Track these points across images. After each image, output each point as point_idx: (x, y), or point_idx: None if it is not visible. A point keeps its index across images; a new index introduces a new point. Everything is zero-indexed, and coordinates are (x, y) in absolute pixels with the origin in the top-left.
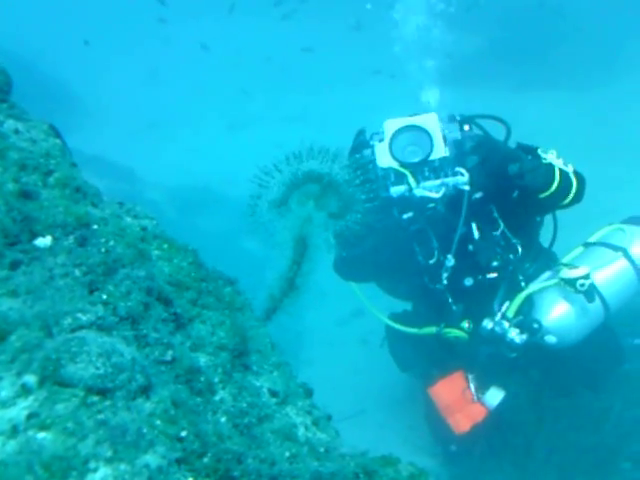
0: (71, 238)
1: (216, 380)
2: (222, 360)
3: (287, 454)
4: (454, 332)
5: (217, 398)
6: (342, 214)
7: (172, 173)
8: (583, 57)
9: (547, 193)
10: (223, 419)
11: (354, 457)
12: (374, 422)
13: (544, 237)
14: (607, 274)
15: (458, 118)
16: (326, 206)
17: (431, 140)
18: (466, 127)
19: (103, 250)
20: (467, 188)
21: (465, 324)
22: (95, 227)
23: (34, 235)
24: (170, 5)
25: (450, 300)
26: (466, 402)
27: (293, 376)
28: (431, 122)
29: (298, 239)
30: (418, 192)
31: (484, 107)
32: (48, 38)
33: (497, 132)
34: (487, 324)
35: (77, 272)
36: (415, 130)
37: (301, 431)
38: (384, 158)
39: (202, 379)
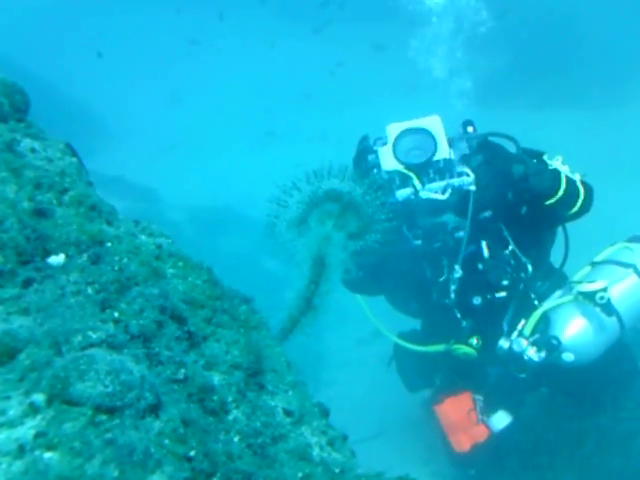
0: (84, 256)
1: (230, 399)
2: (236, 379)
3: (300, 474)
4: (463, 348)
5: (230, 417)
6: (361, 234)
7: (193, 194)
8: (603, 76)
9: (553, 200)
10: (236, 439)
11: (369, 478)
12: (394, 443)
13: (554, 257)
14: (621, 290)
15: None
16: (345, 225)
17: (435, 141)
18: (470, 128)
19: (116, 268)
20: (473, 188)
21: (474, 340)
22: (109, 245)
23: (48, 253)
24: (191, 28)
25: (459, 316)
26: (470, 423)
27: (309, 396)
28: (434, 124)
29: (316, 258)
30: (424, 194)
31: (504, 126)
32: (71, 61)
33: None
34: (504, 344)
35: (89, 290)
36: (418, 132)
37: (316, 451)
38: (388, 161)
39: (215, 398)
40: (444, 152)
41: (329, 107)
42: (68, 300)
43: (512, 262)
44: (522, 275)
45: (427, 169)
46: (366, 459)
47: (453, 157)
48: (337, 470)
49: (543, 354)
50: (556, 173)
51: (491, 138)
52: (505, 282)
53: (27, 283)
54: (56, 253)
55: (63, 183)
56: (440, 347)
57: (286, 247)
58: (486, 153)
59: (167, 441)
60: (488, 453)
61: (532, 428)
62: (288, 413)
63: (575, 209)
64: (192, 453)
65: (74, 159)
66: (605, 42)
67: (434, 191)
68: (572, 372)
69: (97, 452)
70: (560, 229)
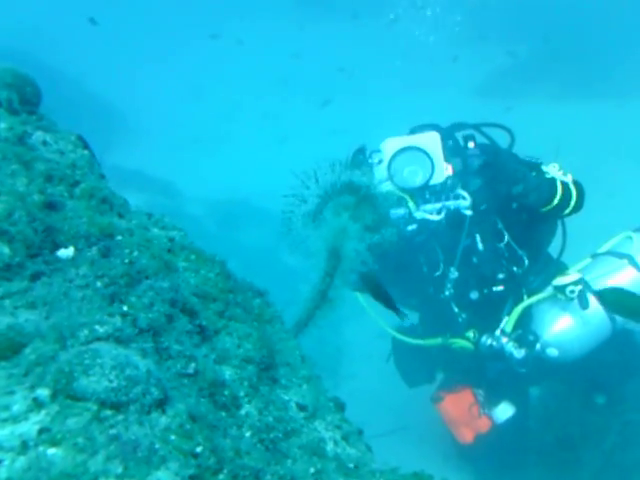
0: (94, 249)
1: (242, 394)
2: (248, 373)
3: (312, 470)
4: (460, 342)
5: (242, 412)
6: (377, 227)
7: (212, 187)
8: (624, 65)
9: (549, 207)
10: (248, 434)
11: (384, 473)
12: (414, 438)
13: (554, 247)
14: (611, 282)
15: (462, 135)
16: (362, 218)
17: (432, 164)
18: (471, 144)
19: (127, 261)
20: (469, 213)
21: (471, 334)
22: (119, 238)
23: (57, 246)
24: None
25: (456, 310)
26: (472, 417)
27: (324, 390)
28: (432, 142)
29: (332, 250)
30: (418, 215)
31: (523, 117)
32: (92, 56)
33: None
34: (486, 340)
35: (98, 283)
36: (415, 152)
37: (330, 446)
38: (383, 182)
39: (226, 393)
40: (441, 176)
41: (349, 101)
42: (75, 293)
43: (507, 255)
44: (518, 268)
45: (423, 191)
46: (385, 454)
47: (450, 174)
48: (351, 465)
49: (523, 351)
50: (553, 182)
51: (491, 138)
52: (501, 275)
53: (35, 276)
54: (65, 246)
55: (74, 176)
56: (437, 341)
57: (302, 243)
58: (485, 175)
59: (173, 437)
60: (496, 444)
61: (551, 422)
62: (302, 407)
63: (568, 210)
64: (199, 449)
65: (86, 152)
66: (626, 32)
67: (429, 212)
68: (571, 365)
69: (101, 448)
70: (558, 221)
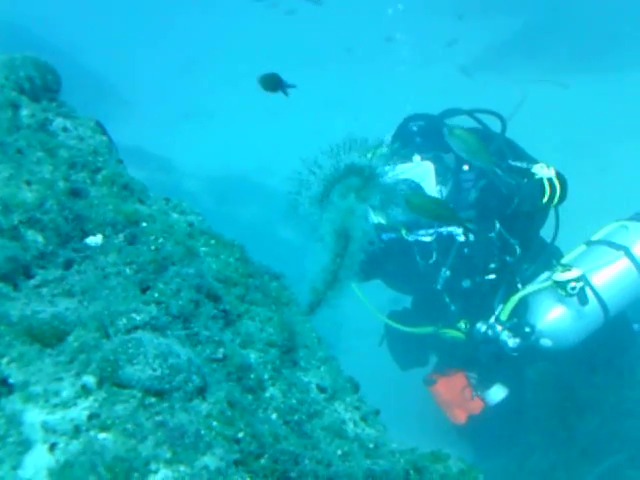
0: (121, 236)
1: (266, 377)
2: (271, 356)
3: (339, 452)
4: (451, 332)
5: (267, 395)
6: (384, 206)
7: (209, 163)
8: (616, 41)
9: (537, 206)
10: (274, 416)
11: (403, 453)
12: (415, 412)
13: (547, 232)
14: (607, 275)
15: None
16: (368, 198)
17: None
18: (465, 167)
19: (153, 248)
20: (462, 239)
21: (462, 324)
22: (144, 225)
23: (85, 234)
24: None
25: (448, 300)
26: (464, 399)
27: (340, 370)
28: (426, 174)
29: (340, 231)
30: (410, 237)
31: (517, 91)
32: (83, 29)
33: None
34: (481, 327)
35: (128, 271)
36: (408, 184)
37: (350, 427)
38: (375, 214)
39: (252, 376)
40: None
41: (344, 75)
42: (110, 282)
43: (498, 244)
44: (510, 257)
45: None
46: (389, 428)
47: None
48: (371, 445)
49: (518, 340)
50: (541, 185)
51: (485, 124)
52: (493, 265)
53: (68, 264)
54: (93, 234)
55: (96, 162)
56: (429, 329)
57: (309, 220)
58: (479, 207)
59: (215, 423)
60: (490, 424)
61: (546, 397)
62: (322, 389)
63: (553, 203)
64: (240, 435)
65: (104, 137)
66: (621, 5)
67: (421, 236)
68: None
69: (149, 434)
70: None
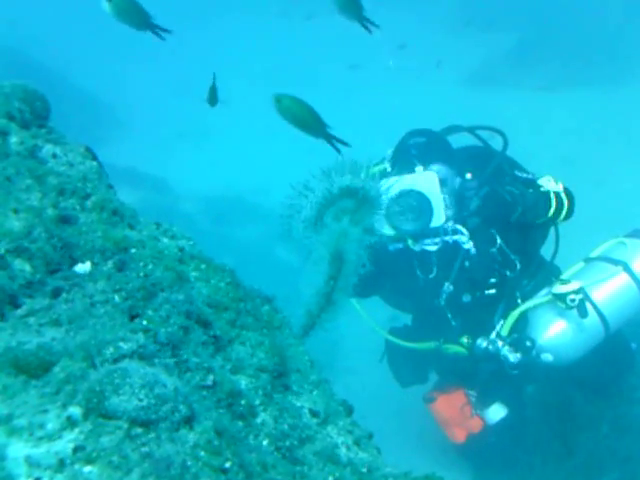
0: (110, 263)
1: (257, 402)
2: (263, 382)
3: (331, 478)
4: (453, 348)
5: (258, 421)
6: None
7: (205, 183)
8: (611, 54)
9: (544, 219)
10: (265, 442)
11: (397, 477)
12: (416, 431)
13: (546, 250)
14: (606, 290)
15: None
16: (361, 220)
17: (431, 208)
18: (468, 175)
19: (142, 274)
20: (467, 247)
21: (464, 339)
22: (133, 251)
23: (74, 261)
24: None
25: (449, 315)
26: (464, 417)
27: (333, 394)
28: (430, 184)
29: (334, 254)
30: (416, 247)
31: (512, 107)
32: (76, 49)
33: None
34: (481, 343)
35: (117, 298)
36: (413, 195)
37: (343, 451)
38: (381, 225)
39: (243, 402)
40: (440, 219)
41: (336, 93)
42: (97, 310)
43: (499, 259)
44: (511, 272)
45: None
46: (386, 447)
47: (450, 216)
48: (364, 470)
49: (519, 355)
50: (547, 196)
51: (485, 141)
52: (493, 279)
53: (56, 293)
54: (82, 261)
55: (85, 188)
56: (430, 345)
57: (304, 244)
58: (483, 214)
59: (202, 453)
60: (490, 443)
61: (546, 420)
62: (314, 414)
63: (560, 218)
64: (227, 465)
65: (94, 163)
66: (613, 19)
67: (427, 245)
68: (560, 369)
69: (135, 466)
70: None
